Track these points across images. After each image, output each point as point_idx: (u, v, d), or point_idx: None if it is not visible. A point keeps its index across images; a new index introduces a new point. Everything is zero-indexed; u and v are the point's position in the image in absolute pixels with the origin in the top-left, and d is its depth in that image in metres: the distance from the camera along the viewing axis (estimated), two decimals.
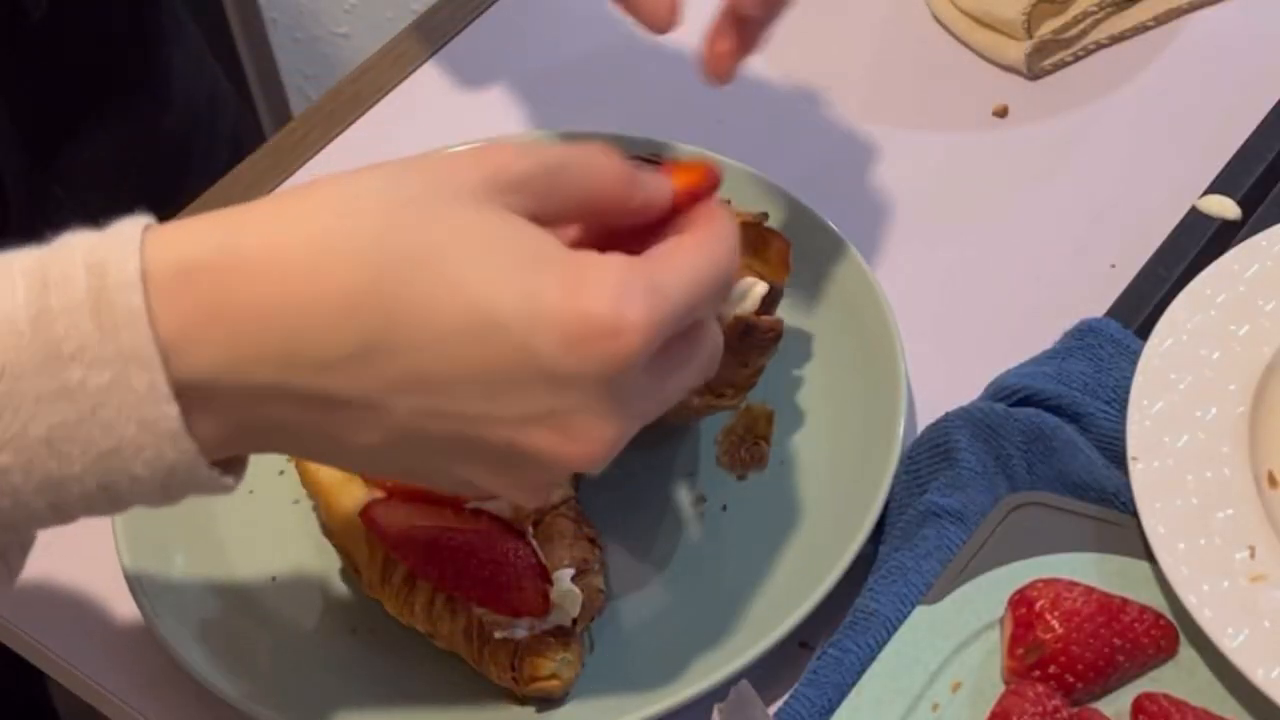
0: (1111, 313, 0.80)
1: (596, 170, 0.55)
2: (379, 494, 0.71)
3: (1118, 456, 0.72)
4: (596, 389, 0.52)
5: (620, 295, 0.52)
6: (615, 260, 0.53)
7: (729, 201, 0.76)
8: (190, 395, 0.50)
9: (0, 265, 0.51)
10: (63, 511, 0.52)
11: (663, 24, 0.69)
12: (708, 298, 0.55)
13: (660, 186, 0.57)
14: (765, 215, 0.76)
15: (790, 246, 0.74)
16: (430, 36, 0.98)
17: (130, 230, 0.51)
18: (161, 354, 0.50)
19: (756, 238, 0.74)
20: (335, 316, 0.51)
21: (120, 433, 0.50)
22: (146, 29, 1.02)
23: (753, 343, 0.71)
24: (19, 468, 0.50)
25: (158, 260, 0.50)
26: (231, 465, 0.55)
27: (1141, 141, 0.89)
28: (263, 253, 0.51)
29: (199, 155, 1.06)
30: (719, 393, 0.73)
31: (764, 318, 0.71)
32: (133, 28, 1.01)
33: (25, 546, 0.57)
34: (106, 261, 0.50)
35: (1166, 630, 0.66)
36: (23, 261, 0.50)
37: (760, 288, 0.71)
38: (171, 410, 0.50)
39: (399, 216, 0.52)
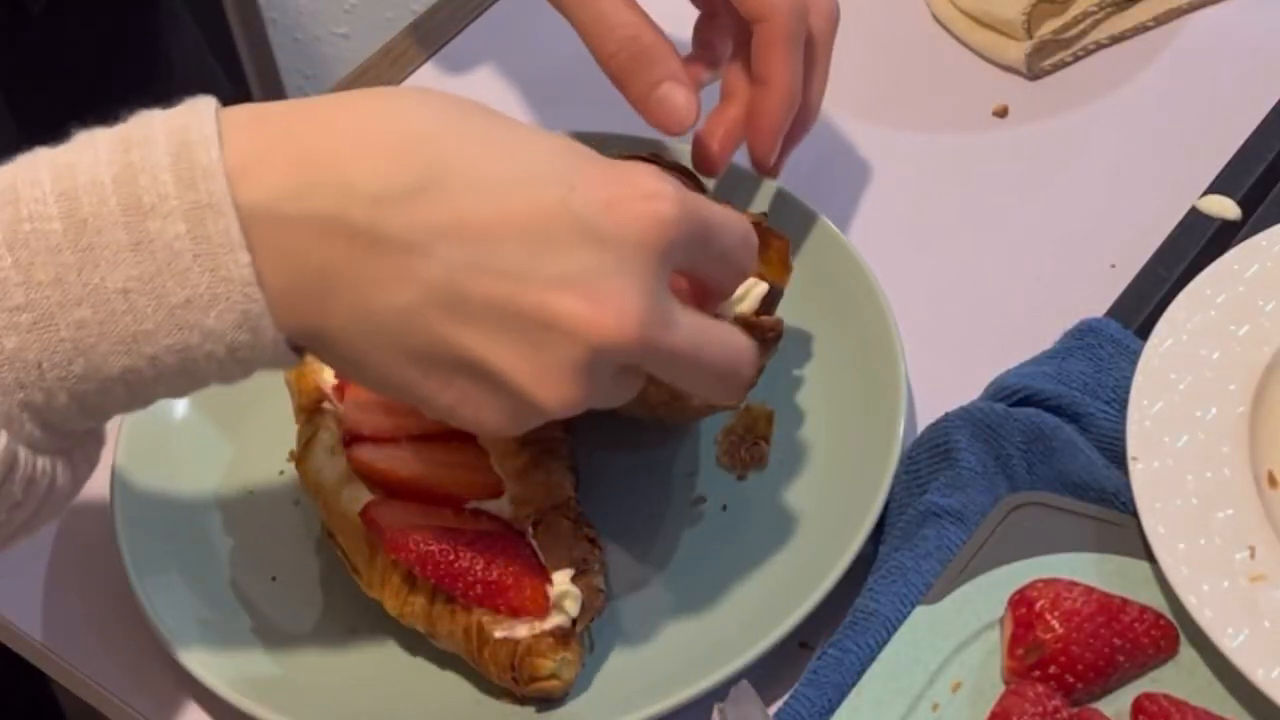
0: (1111, 313, 0.80)
1: None
2: (379, 493, 0.71)
3: (1118, 456, 0.72)
4: (632, 252, 0.55)
5: (658, 176, 0.57)
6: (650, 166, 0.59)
7: (728, 202, 0.76)
8: (255, 233, 0.53)
9: (83, 137, 0.54)
10: (135, 383, 0.54)
11: (680, 128, 0.74)
12: (734, 236, 0.60)
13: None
14: (765, 215, 0.76)
15: (790, 246, 0.74)
16: (430, 37, 0.98)
17: (206, 100, 0.55)
18: (229, 182, 0.53)
19: (756, 238, 0.74)
20: (394, 151, 0.54)
21: (194, 282, 0.53)
22: (146, 29, 1.02)
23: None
24: (96, 323, 0.53)
25: (232, 118, 0.55)
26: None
27: (1142, 141, 0.89)
28: (332, 103, 0.56)
29: None
30: None
31: (764, 318, 0.71)
32: (133, 28, 1.01)
33: (91, 458, 0.59)
34: (187, 124, 0.54)
35: (1166, 630, 0.66)
36: (103, 132, 0.54)
37: (760, 288, 0.70)
38: (243, 257, 0.53)
39: (464, 99, 0.57)
